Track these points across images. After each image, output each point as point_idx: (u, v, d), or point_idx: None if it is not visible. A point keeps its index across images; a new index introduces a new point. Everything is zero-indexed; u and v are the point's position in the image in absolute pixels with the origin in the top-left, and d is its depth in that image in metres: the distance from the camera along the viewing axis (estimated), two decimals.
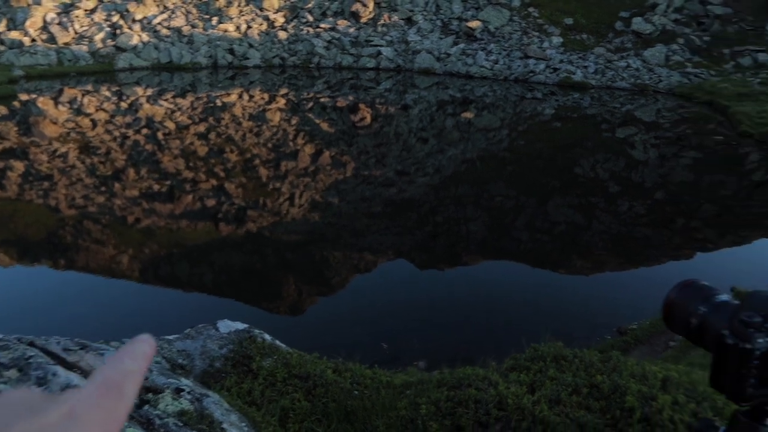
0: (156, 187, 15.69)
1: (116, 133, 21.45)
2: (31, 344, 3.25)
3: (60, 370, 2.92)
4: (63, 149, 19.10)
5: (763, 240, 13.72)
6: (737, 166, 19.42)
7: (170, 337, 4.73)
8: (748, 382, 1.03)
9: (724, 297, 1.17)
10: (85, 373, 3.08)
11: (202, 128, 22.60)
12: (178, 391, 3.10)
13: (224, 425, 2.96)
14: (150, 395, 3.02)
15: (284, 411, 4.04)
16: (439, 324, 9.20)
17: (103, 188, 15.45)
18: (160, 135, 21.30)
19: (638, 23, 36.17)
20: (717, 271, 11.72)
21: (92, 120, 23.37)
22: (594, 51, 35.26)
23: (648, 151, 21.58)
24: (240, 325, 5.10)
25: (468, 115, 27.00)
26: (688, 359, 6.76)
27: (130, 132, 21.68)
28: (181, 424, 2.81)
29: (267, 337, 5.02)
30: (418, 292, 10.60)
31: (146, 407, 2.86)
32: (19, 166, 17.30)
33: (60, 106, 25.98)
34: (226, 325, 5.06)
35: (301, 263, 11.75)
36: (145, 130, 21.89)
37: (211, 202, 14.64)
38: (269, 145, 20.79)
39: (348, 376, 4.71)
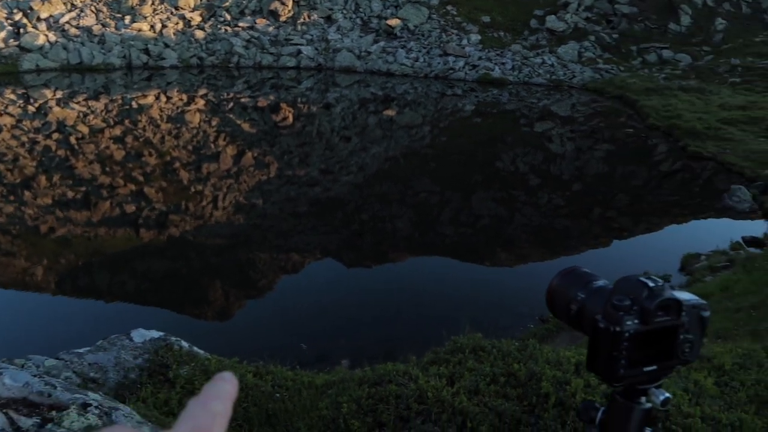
0: (70, 194, 15.02)
1: (24, 139, 20.39)
2: None
3: None
4: None
5: (672, 226, 14.47)
6: (647, 157, 20.39)
7: (81, 351, 4.54)
8: (619, 363, 1.07)
9: (601, 283, 1.20)
10: None
11: (118, 131, 21.80)
12: (84, 406, 2.99)
13: None
14: (54, 413, 2.89)
15: None
16: (365, 321, 9.25)
17: (11, 197, 14.66)
18: (72, 139, 20.40)
19: (552, 21, 37.39)
20: (632, 257, 12.29)
21: None
22: (511, 48, 36.19)
23: (565, 144, 22.35)
24: (155, 334, 4.95)
25: (390, 112, 27.18)
26: None
27: (40, 137, 20.66)
28: None
29: (184, 344, 4.91)
30: (346, 290, 10.61)
31: (49, 425, 2.74)
32: None
33: None
34: (141, 335, 4.90)
35: (228, 267, 11.54)
36: (56, 135, 20.91)
37: (130, 208, 14.15)
38: (189, 147, 20.28)
39: (269, 379, 4.66)
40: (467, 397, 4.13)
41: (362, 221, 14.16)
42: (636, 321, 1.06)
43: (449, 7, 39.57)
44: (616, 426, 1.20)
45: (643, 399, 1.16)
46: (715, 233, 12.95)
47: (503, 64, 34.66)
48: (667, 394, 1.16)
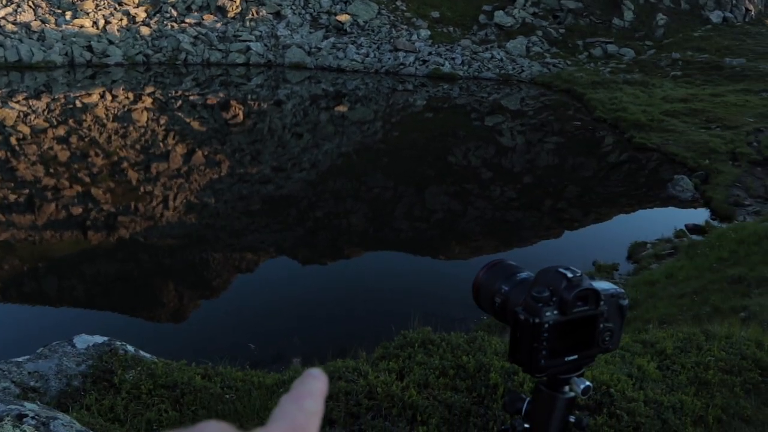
0: (12, 196, 14.51)
1: None
2: None
3: None
4: None
5: (620, 216, 14.85)
6: (595, 149, 20.87)
7: (20, 359, 4.39)
8: (540, 354, 1.08)
9: (524, 275, 1.21)
10: None
11: (61, 131, 21.15)
12: (20, 417, 2.90)
13: None
14: None
15: (150, 424, 3.90)
16: (319, 319, 9.23)
17: None
18: (13, 140, 19.69)
19: (500, 16, 37.87)
20: (582, 247, 12.57)
21: None
22: (461, 43, 36.51)
23: (515, 137, 22.69)
24: (99, 339, 4.83)
25: (341, 108, 27.12)
26: None
27: None
28: None
29: (130, 348, 4.80)
30: (300, 288, 10.56)
31: None
32: None
33: None
34: (84, 340, 4.77)
35: (181, 267, 11.35)
36: None
37: (77, 210, 13.75)
38: (137, 146, 19.83)
39: (218, 380, 4.60)
40: (417, 390, 4.17)
41: (316, 218, 14.10)
42: (555, 312, 1.07)
43: (398, 3, 39.67)
44: (540, 416, 1.21)
45: (567, 388, 1.17)
46: (661, 222, 13.35)
47: (453, 59, 34.95)
48: (588, 383, 1.17)
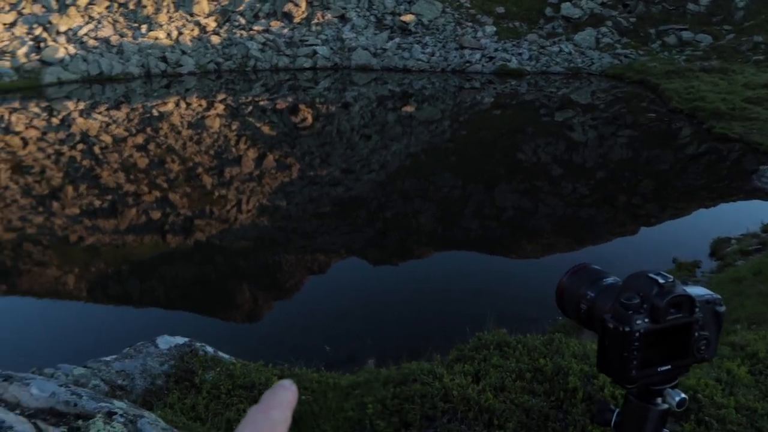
0: (97, 203, 15.22)
1: (50, 150, 20.70)
2: None
3: None
4: None
5: (700, 210, 14.25)
6: (671, 141, 20.11)
7: (108, 359, 4.58)
8: (631, 364, 1.04)
9: (611, 280, 1.16)
10: (10, 406, 2.96)
11: (140, 140, 22.04)
12: (110, 414, 3.02)
13: None
14: (80, 422, 2.92)
15: (230, 423, 3.99)
16: (391, 320, 9.24)
17: (40, 208, 14.90)
18: (96, 149, 20.66)
19: (567, 8, 36.99)
20: (660, 244, 12.14)
21: (23, 138, 22.48)
22: (527, 38, 35.90)
23: (587, 132, 22.13)
24: (180, 340, 4.99)
25: (409, 108, 27.13)
26: None
27: (65, 148, 20.96)
28: None
29: (209, 349, 4.93)
30: (371, 289, 10.62)
31: None
32: None
33: None
34: (166, 341, 4.94)
35: (254, 269, 11.61)
36: (80, 146, 21.19)
37: (156, 215, 14.30)
38: (211, 152, 20.44)
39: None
40: (493, 394, 4.09)
41: (386, 219, 14.16)
42: (646, 320, 1.03)
43: (462, 0, 39.37)
44: (631, 428, 1.16)
45: (659, 400, 1.13)
46: (745, 216, 12.71)
47: (520, 54, 34.41)
48: (683, 395, 1.13)
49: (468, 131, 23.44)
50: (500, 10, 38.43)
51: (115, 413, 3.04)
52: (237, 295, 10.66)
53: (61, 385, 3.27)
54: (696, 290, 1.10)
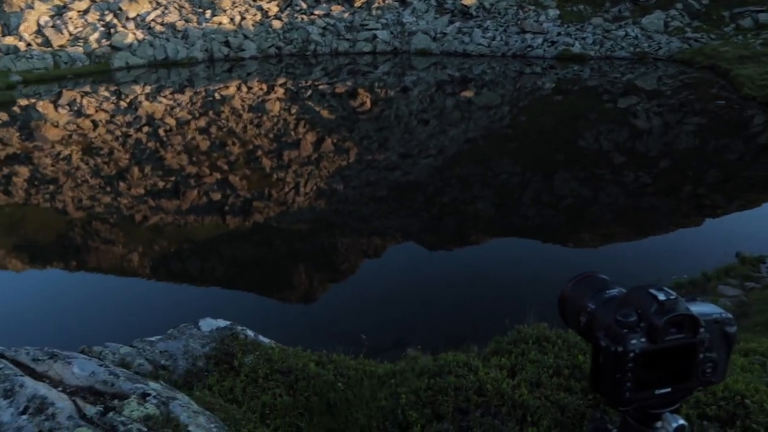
0: (161, 184, 15.72)
1: (118, 133, 21.45)
2: (1, 356, 3.28)
3: (28, 381, 2.95)
4: (66, 152, 19.13)
5: None
6: (742, 130, 19.29)
7: (153, 339, 4.72)
8: (624, 386, 0.97)
9: (615, 292, 1.09)
10: (54, 383, 3.11)
11: (202, 123, 22.59)
12: (144, 396, 3.12)
13: (190, 428, 2.98)
14: (116, 401, 3.04)
15: (265, 407, 4.04)
16: (440, 306, 9.22)
17: (108, 188, 15.49)
18: (161, 132, 21.30)
19: None
20: (725, 237, 11.69)
21: (93, 121, 23.37)
22: (592, 21, 34.97)
23: (651, 119, 21.46)
24: (222, 323, 5.09)
25: (468, 93, 26.88)
26: None
27: (132, 131, 21.68)
28: (146, 429, 2.82)
29: (250, 333, 5.01)
30: (424, 274, 10.62)
31: (111, 414, 2.88)
32: (23, 171, 17.35)
33: (60, 109, 25.98)
34: (208, 324, 5.05)
35: (310, 252, 11.78)
36: (146, 128, 21.88)
37: (216, 196, 14.67)
38: (271, 135, 20.77)
39: (331, 368, 4.64)
40: (528, 389, 4.00)
41: (442, 204, 14.12)
42: (643, 339, 0.96)
43: None
44: None
45: (659, 424, 1.05)
46: None
47: (584, 38, 33.56)
48: (682, 421, 1.04)
49: (528, 117, 23.06)
50: None
51: (149, 394, 3.15)
52: (293, 276, 10.85)
53: (100, 365, 3.41)
54: (704, 308, 1.03)
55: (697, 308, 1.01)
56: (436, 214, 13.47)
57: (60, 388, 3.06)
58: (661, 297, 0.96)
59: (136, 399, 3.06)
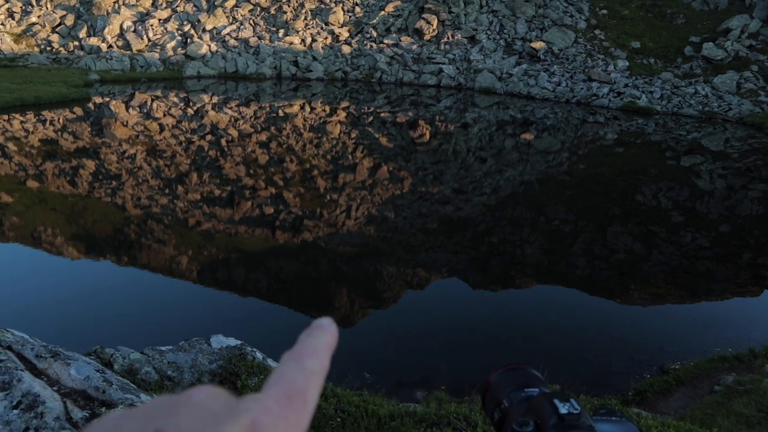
0: (217, 192, 16.08)
1: (182, 138, 22.10)
2: (9, 348, 3.37)
3: (26, 376, 3.02)
4: (131, 151, 19.80)
5: None
6: None
7: (163, 348, 4.75)
8: None
9: (533, 391, 0.97)
10: (51, 381, 3.17)
11: (263, 137, 23.08)
12: (131, 407, 3.15)
13: None
14: (104, 409, 3.08)
15: None
16: (474, 347, 9.05)
17: (166, 190, 15.92)
18: (223, 142, 21.85)
19: (709, 48, 35.22)
20: None
21: (160, 124, 24.16)
22: (661, 76, 34.49)
23: (714, 181, 20.93)
24: (233, 341, 5.08)
25: (528, 136, 26.76)
26: (731, 407, 6.46)
27: (195, 137, 22.31)
28: None
29: (258, 355, 4.96)
30: (466, 312, 10.50)
31: (95, 421, 2.93)
32: (90, 164, 18.02)
33: (131, 110, 26.96)
34: (219, 341, 5.05)
35: (355, 276, 11.82)
36: (209, 137, 22.49)
37: (269, 210, 14.90)
38: (328, 156, 21.06)
39: (333, 402, 4.58)
40: None
41: (491, 243, 14.01)
42: None
43: (597, 32, 38.43)
44: None
45: None
46: None
47: (651, 92, 33.12)
48: None
49: (586, 166, 22.79)
50: (635, 44, 37.20)
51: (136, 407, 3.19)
52: (335, 298, 10.88)
53: (97, 370, 3.46)
54: (614, 428, 0.90)
55: (605, 427, 0.89)
56: (484, 253, 13.36)
57: (55, 388, 3.14)
58: (563, 410, 0.84)
59: (123, 409, 3.10)
